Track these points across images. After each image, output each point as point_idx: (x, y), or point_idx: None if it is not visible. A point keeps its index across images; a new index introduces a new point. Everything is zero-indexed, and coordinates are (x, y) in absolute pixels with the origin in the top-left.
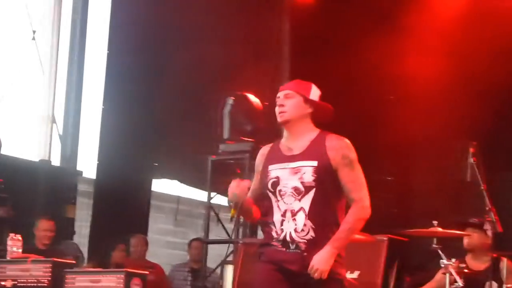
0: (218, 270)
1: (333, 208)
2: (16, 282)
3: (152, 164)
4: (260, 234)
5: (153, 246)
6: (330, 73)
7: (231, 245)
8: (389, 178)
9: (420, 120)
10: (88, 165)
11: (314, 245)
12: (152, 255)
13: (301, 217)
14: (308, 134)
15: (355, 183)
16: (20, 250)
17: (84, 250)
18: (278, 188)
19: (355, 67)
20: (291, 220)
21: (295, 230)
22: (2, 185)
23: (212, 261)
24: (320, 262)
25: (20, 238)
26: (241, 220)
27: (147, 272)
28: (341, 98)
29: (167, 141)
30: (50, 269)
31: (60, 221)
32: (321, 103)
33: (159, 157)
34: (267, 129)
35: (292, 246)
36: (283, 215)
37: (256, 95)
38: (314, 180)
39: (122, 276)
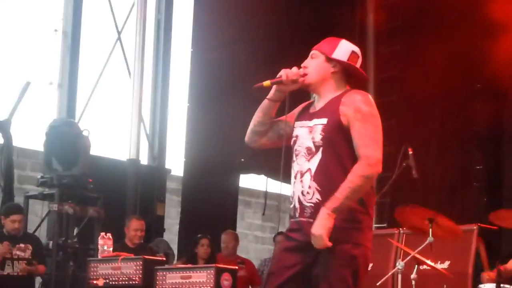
0: None
1: (343, 169)
2: (107, 281)
3: (239, 160)
4: None
5: (242, 241)
6: (415, 58)
7: None
8: (479, 167)
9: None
10: (176, 163)
11: (319, 210)
12: (241, 250)
13: (307, 179)
14: (334, 93)
15: (364, 138)
16: (111, 249)
17: (174, 247)
18: (295, 147)
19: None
20: (299, 182)
21: (302, 193)
22: (92, 185)
23: None
24: (316, 231)
25: (110, 237)
26: None
27: (236, 268)
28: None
29: None
30: (141, 267)
31: (150, 219)
32: (350, 64)
33: (246, 152)
34: None
35: (298, 212)
36: (295, 177)
37: None
38: (321, 139)
39: (212, 272)
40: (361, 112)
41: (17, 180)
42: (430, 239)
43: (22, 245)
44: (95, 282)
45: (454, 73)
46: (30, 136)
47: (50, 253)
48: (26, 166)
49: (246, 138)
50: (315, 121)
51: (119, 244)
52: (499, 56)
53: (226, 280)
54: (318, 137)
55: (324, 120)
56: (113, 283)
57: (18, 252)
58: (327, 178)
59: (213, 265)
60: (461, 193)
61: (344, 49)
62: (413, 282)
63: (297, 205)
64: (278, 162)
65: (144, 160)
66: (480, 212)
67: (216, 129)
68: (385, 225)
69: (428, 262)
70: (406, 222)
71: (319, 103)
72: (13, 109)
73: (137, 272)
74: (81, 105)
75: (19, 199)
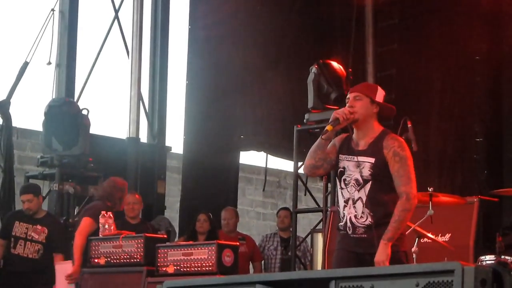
0: (308, 239)
1: (387, 198)
2: (109, 259)
3: (238, 137)
4: None
5: (243, 218)
6: (414, 31)
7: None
8: (479, 140)
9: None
10: (176, 140)
11: (371, 229)
12: (243, 227)
13: (359, 205)
14: (373, 132)
15: (402, 178)
16: (112, 228)
17: (175, 224)
18: (343, 177)
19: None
20: (352, 207)
21: (355, 217)
22: (92, 164)
23: (301, 231)
24: (380, 258)
25: (111, 215)
26: (329, 188)
27: (238, 244)
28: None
29: (253, 113)
30: (142, 245)
31: (150, 197)
32: (385, 104)
33: (246, 129)
34: None
35: (352, 231)
36: (346, 202)
37: (339, 62)
38: (370, 175)
39: (214, 248)
40: (399, 155)
41: (17, 160)
42: (430, 212)
43: (39, 227)
44: (96, 260)
45: (453, 45)
46: (29, 117)
47: None
48: (26, 147)
49: (307, 171)
50: (362, 158)
51: (120, 220)
52: (498, 28)
53: (227, 256)
54: (367, 172)
55: (372, 159)
56: (115, 261)
57: (33, 234)
58: (376, 206)
59: (214, 241)
60: (461, 166)
61: (380, 93)
62: (414, 256)
63: (349, 225)
64: (277, 139)
65: (144, 138)
66: (480, 184)
67: (215, 106)
68: None
69: (429, 235)
70: None
71: (361, 139)
72: (12, 90)
73: (139, 250)
74: (80, 84)
75: (19, 180)
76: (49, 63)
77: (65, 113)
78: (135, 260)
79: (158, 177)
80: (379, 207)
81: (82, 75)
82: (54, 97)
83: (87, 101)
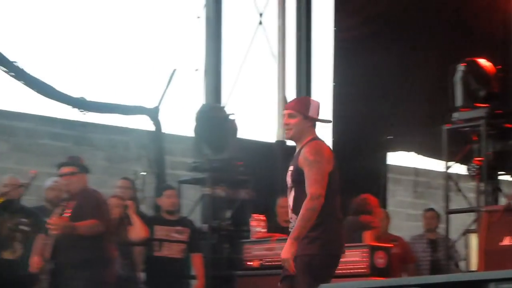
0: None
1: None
2: (262, 261)
3: (386, 137)
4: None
5: (394, 219)
6: None
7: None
8: None
9: None
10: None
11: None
12: (393, 228)
13: (289, 212)
14: (302, 143)
15: (308, 180)
16: (265, 230)
17: None
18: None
19: None
20: (289, 214)
21: (290, 222)
22: (242, 168)
23: (453, 232)
24: (284, 255)
25: (263, 218)
26: (482, 187)
27: (391, 245)
28: None
29: (401, 113)
30: None
31: None
32: (319, 119)
33: (394, 129)
34: (501, 93)
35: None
36: (289, 208)
37: (488, 59)
38: (292, 181)
39: (366, 250)
40: (308, 160)
41: (169, 166)
42: None
43: (179, 227)
44: (250, 263)
45: None
46: (179, 122)
47: (205, 236)
48: (176, 152)
49: None
50: (290, 167)
51: (272, 223)
52: None
53: (380, 258)
54: (289, 180)
55: (291, 167)
56: (268, 263)
57: (175, 235)
58: (298, 211)
59: (367, 243)
60: None
61: (314, 107)
62: None
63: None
64: (426, 138)
65: (291, 141)
66: None
67: (362, 107)
68: None
69: None
70: None
71: (296, 151)
72: (161, 97)
73: None
74: (227, 90)
75: (173, 185)
76: (197, 69)
77: (214, 118)
78: None
79: None
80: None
81: (229, 80)
82: (202, 103)
83: (235, 105)
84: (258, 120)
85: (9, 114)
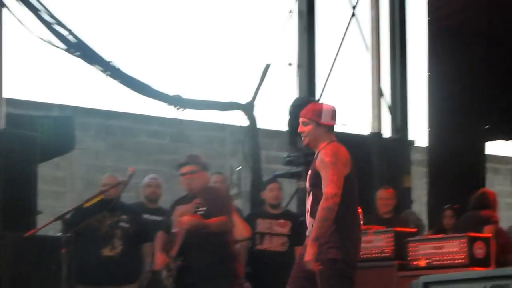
0: None
1: None
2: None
3: (483, 127)
4: None
5: None
6: None
7: None
8: None
9: None
10: (419, 133)
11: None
12: None
13: (308, 216)
14: (319, 148)
15: (325, 180)
16: (361, 222)
17: (424, 218)
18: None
19: None
20: (307, 218)
21: (307, 227)
22: None
23: None
24: (306, 258)
25: (360, 210)
26: None
27: (490, 236)
28: None
29: (499, 101)
30: (392, 239)
31: (397, 191)
32: (331, 123)
33: (491, 118)
34: None
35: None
36: (307, 212)
37: None
38: (310, 185)
39: (465, 240)
40: (324, 162)
41: (265, 160)
42: None
43: (281, 221)
44: None
45: None
46: (273, 117)
47: None
48: (271, 146)
49: None
50: (309, 172)
51: (372, 215)
52: None
53: (479, 248)
54: (308, 184)
55: (310, 172)
56: (366, 256)
57: (277, 228)
58: (315, 215)
59: (465, 234)
60: None
61: (327, 113)
62: None
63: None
64: None
65: (386, 133)
66: None
67: (458, 96)
68: None
69: None
70: None
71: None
72: (256, 92)
73: (389, 244)
74: (321, 83)
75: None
76: (290, 64)
77: None
78: (385, 254)
79: (403, 172)
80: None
81: (323, 73)
82: (297, 96)
83: (329, 99)
84: (352, 112)
85: (107, 113)
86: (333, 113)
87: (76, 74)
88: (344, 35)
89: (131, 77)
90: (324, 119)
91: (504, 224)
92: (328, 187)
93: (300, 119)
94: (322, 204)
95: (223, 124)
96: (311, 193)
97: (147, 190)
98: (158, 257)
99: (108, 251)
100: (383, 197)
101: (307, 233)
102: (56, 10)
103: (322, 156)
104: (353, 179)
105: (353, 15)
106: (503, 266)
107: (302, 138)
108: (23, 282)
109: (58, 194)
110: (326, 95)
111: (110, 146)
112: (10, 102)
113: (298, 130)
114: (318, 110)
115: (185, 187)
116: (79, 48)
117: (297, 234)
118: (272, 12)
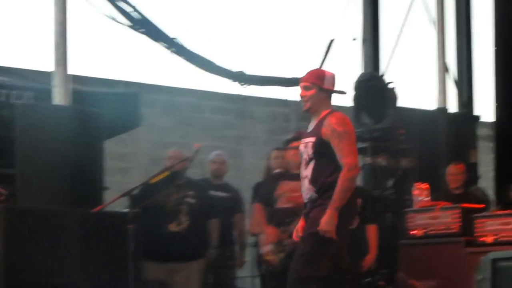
0: None
1: (330, 173)
2: (426, 230)
3: None
4: None
5: None
6: None
7: None
8: None
9: None
10: (485, 108)
11: (314, 204)
12: None
13: (306, 182)
14: (321, 114)
15: (343, 151)
16: (428, 199)
17: (491, 193)
18: (301, 158)
19: None
20: (304, 185)
21: (305, 193)
22: (403, 136)
23: None
24: (324, 227)
25: (426, 186)
26: None
27: None
28: None
29: None
30: (459, 215)
31: None
32: (335, 90)
33: None
34: None
35: (305, 207)
36: (303, 179)
37: None
38: (313, 153)
39: None
40: (337, 131)
41: None
42: None
43: None
44: (413, 232)
45: None
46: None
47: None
48: None
49: None
50: (307, 139)
51: (442, 191)
52: None
53: None
54: (310, 151)
55: (313, 139)
56: (432, 232)
57: None
58: (319, 182)
59: None
60: None
61: (329, 78)
62: None
63: (305, 200)
64: None
65: (452, 108)
66: None
67: None
68: None
69: None
70: None
71: (312, 123)
72: (320, 67)
73: (455, 220)
74: (386, 58)
75: None
76: (354, 38)
77: (373, 87)
78: (452, 230)
79: (469, 147)
80: (321, 183)
81: (388, 48)
82: (361, 72)
83: (394, 74)
84: (418, 87)
85: (172, 89)
86: (334, 80)
87: (141, 51)
88: (409, 9)
89: (195, 54)
90: (327, 84)
91: None
92: (349, 158)
93: (301, 84)
94: (345, 174)
95: (287, 100)
96: (314, 160)
97: (212, 166)
98: (268, 231)
99: (174, 227)
100: (453, 172)
101: (305, 199)
102: None
103: (334, 126)
104: None
105: None
106: None
107: (303, 103)
108: (91, 258)
109: (124, 170)
110: (391, 70)
111: (175, 123)
112: (76, 79)
113: (299, 95)
114: (321, 74)
115: (294, 160)
116: (143, 25)
117: (369, 212)
118: None
